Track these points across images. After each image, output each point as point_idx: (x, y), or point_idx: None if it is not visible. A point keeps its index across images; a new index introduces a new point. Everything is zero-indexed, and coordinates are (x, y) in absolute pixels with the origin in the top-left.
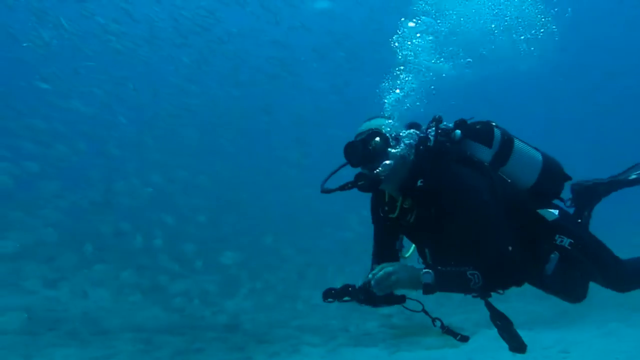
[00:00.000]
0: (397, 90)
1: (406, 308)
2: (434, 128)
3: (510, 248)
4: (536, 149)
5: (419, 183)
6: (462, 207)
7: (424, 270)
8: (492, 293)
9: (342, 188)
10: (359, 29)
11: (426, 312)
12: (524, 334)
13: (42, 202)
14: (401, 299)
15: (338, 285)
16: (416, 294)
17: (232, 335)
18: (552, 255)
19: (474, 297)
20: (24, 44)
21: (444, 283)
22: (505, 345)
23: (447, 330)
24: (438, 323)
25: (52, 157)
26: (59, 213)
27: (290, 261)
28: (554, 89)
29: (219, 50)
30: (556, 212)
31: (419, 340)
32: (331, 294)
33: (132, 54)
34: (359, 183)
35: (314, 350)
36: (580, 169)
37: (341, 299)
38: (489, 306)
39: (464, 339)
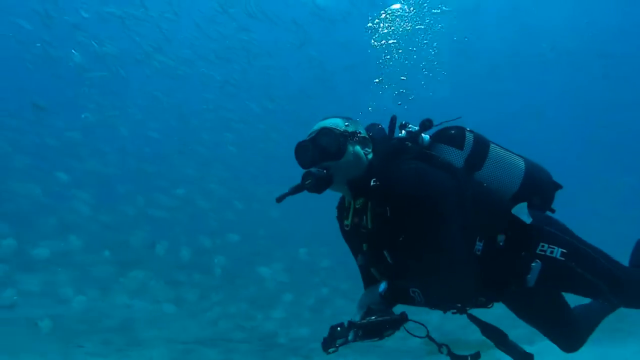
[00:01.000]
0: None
1: (409, 332)
2: (395, 128)
3: (464, 255)
4: (520, 156)
5: (372, 182)
6: (416, 201)
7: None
8: (474, 307)
9: (293, 192)
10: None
11: (431, 338)
12: None
13: (76, 212)
14: (403, 318)
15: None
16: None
17: (267, 349)
18: (534, 264)
19: (453, 313)
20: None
21: (394, 296)
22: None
23: (455, 357)
24: (445, 350)
25: (84, 170)
26: (93, 224)
27: (325, 274)
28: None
29: (254, 65)
30: (525, 204)
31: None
32: (327, 344)
33: (169, 71)
34: (306, 182)
35: None
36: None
37: (335, 344)
38: (475, 320)
39: (475, 357)
